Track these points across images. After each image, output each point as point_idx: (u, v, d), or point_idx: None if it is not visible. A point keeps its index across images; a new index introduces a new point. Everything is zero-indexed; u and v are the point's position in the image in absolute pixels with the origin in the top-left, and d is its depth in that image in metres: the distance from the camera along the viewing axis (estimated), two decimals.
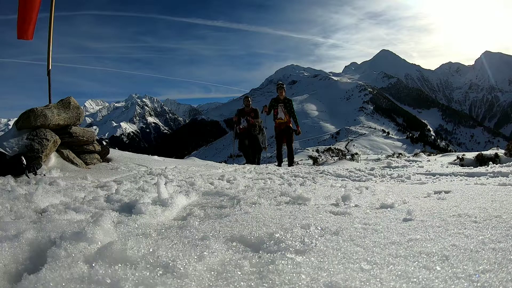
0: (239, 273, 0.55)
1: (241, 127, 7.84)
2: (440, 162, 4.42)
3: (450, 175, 2.46)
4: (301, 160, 11.42)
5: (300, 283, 0.51)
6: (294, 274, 0.54)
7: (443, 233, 0.78)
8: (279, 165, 7.00)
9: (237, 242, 0.73)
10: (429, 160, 4.82)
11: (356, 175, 2.72)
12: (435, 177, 2.34)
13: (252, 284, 0.51)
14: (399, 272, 0.55)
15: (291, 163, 7.27)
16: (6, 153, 2.46)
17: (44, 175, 2.33)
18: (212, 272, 0.56)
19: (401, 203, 1.22)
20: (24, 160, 2.30)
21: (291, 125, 7.22)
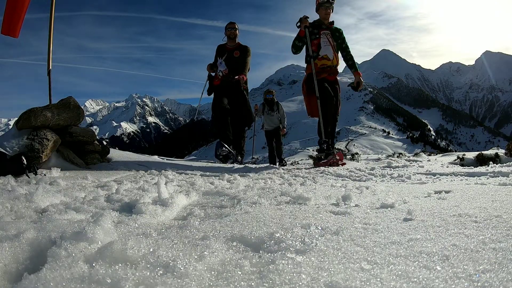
0: (240, 272, 0.55)
1: (217, 74, 4.46)
2: (441, 162, 4.42)
3: (451, 175, 2.46)
4: (301, 159, 11.42)
5: (300, 283, 0.51)
6: (294, 274, 0.54)
7: (443, 233, 0.78)
8: (320, 160, 3.93)
9: (237, 242, 0.73)
10: (429, 160, 4.82)
11: (356, 175, 2.72)
12: (435, 177, 2.34)
13: (253, 284, 0.51)
14: (400, 272, 0.55)
15: (328, 148, 3.86)
16: (7, 153, 2.46)
17: (45, 175, 2.33)
18: (213, 272, 0.56)
19: (402, 203, 1.22)
20: (25, 160, 2.30)
21: (337, 77, 4.15)
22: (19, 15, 3.65)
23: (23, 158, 2.30)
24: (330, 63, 4.07)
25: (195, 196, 1.48)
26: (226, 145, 4.13)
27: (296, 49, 4.16)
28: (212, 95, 4.66)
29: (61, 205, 1.22)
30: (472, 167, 3.43)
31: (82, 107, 3.49)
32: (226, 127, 4.33)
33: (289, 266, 0.57)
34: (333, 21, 4.21)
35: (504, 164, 3.05)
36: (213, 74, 4.72)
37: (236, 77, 4.36)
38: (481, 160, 3.96)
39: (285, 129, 6.94)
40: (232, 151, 4.23)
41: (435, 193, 1.43)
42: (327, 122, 3.98)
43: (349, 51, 4.26)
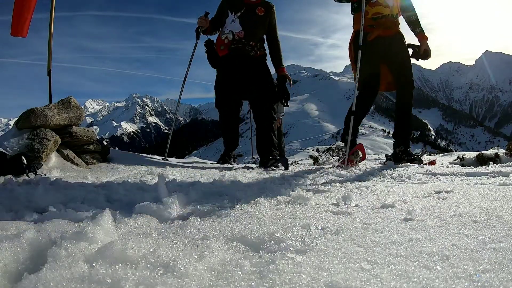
0: (240, 272, 0.55)
1: (222, 38, 3.19)
2: (441, 162, 4.41)
3: (451, 175, 2.45)
4: (301, 159, 11.42)
5: (300, 283, 0.51)
6: (294, 274, 0.54)
7: (443, 233, 0.78)
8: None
9: (237, 242, 0.73)
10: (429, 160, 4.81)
11: (356, 175, 2.71)
12: (435, 177, 2.33)
13: (253, 283, 0.51)
14: (400, 272, 0.55)
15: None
16: (7, 152, 2.46)
17: (45, 174, 2.33)
18: (213, 272, 0.56)
19: (402, 202, 1.22)
20: (25, 160, 2.30)
21: (398, 31, 2.89)
22: (26, 16, 3.66)
23: (23, 158, 2.30)
24: (389, 12, 2.67)
25: (195, 196, 1.48)
26: (227, 157, 3.52)
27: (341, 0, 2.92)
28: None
29: (61, 205, 1.22)
30: (472, 167, 3.42)
31: (82, 107, 3.49)
32: (233, 130, 3.62)
33: (289, 266, 0.57)
34: None
35: (504, 164, 3.04)
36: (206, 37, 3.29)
37: (288, 82, 3.37)
38: (481, 160, 3.96)
39: (280, 119, 5.52)
40: (233, 162, 3.66)
41: (435, 193, 1.43)
42: (358, 118, 2.84)
43: (411, 1, 2.72)
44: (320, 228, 0.84)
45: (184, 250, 0.64)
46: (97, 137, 3.63)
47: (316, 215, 1.03)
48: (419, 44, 2.92)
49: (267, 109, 3.22)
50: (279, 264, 0.57)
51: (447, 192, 1.45)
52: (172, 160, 4.73)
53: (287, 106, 3.67)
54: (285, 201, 1.31)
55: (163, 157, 4.34)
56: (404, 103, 2.95)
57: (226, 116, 3.50)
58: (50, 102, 3.44)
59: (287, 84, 3.44)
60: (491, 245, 0.66)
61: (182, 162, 4.55)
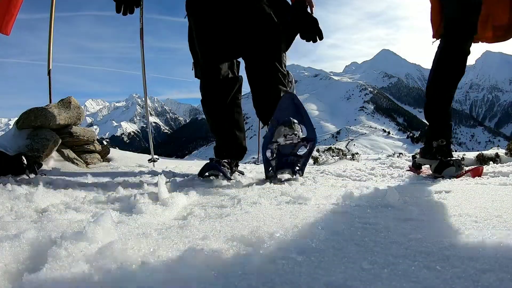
0: (240, 272, 0.55)
1: None
2: None
3: None
4: None
5: (300, 282, 0.51)
6: (294, 274, 0.54)
7: (443, 233, 0.78)
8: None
9: (237, 242, 0.73)
10: None
11: (356, 175, 2.72)
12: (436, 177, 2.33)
13: (253, 283, 0.51)
14: (400, 272, 0.55)
15: None
16: (7, 153, 2.47)
17: (45, 174, 2.33)
18: (213, 272, 0.56)
19: (402, 202, 1.22)
20: (25, 160, 2.30)
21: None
22: (11, 13, 3.64)
23: (23, 158, 2.31)
24: None
25: (195, 196, 1.48)
26: (225, 162, 2.15)
27: None
28: None
29: (61, 205, 1.22)
30: (472, 167, 3.41)
31: (82, 107, 3.49)
32: (231, 116, 2.26)
33: (289, 266, 0.57)
34: None
35: (505, 164, 3.04)
36: None
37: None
38: (481, 160, 3.96)
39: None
40: (238, 171, 2.35)
41: (435, 193, 1.43)
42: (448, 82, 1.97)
43: None
44: (320, 228, 0.84)
45: (184, 250, 0.64)
46: (97, 137, 3.64)
47: (316, 215, 1.03)
48: None
49: (270, 60, 2.07)
50: (279, 264, 0.57)
51: (447, 192, 1.45)
52: (172, 160, 4.73)
53: (318, 40, 2.10)
54: (285, 201, 1.31)
55: (150, 158, 3.68)
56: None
57: (218, 90, 2.12)
58: (50, 102, 3.44)
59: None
60: (491, 245, 0.66)
61: (182, 162, 4.56)
